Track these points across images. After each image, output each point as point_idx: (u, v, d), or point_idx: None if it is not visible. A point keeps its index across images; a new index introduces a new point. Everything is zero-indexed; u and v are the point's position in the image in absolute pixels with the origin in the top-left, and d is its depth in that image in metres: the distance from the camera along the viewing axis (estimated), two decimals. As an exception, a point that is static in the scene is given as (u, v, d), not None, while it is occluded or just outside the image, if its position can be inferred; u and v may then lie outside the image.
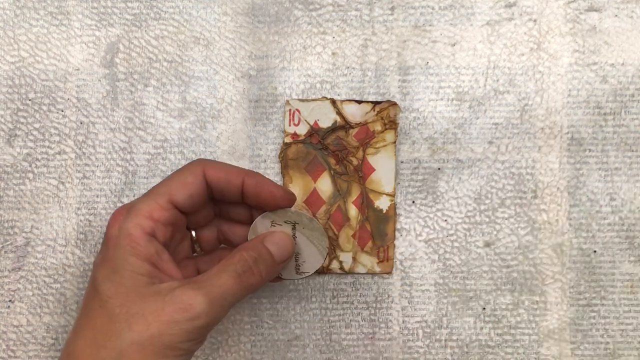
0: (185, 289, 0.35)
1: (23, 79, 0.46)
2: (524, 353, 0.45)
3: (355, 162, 0.45)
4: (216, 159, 0.46)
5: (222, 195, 0.39)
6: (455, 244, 0.46)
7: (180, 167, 0.45)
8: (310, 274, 0.41)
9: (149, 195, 0.37)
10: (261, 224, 0.40)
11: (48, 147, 0.46)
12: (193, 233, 0.41)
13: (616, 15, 0.46)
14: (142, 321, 0.34)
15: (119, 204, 0.46)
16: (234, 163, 0.46)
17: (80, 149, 0.46)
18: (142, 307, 0.34)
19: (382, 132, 0.45)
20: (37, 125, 0.46)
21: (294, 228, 0.40)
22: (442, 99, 0.46)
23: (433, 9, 0.46)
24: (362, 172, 0.45)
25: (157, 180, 0.46)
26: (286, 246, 0.39)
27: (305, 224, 0.40)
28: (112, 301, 0.35)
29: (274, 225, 0.40)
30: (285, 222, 0.40)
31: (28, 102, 0.46)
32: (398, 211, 0.46)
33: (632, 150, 0.45)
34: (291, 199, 0.40)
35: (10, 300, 0.46)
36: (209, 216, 0.41)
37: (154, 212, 0.37)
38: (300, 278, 0.42)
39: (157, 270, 0.36)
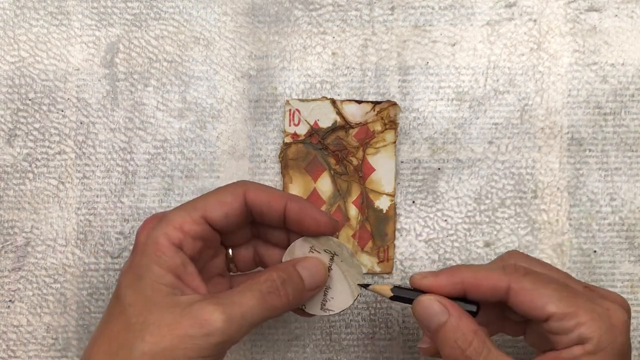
0: (204, 304, 0.34)
1: (23, 79, 0.46)
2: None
3: (355, 162, 0.45)
4: (216, 159, 0.46)
5: (262, 218, 0.38)
6: (455, 244, 0.46)
7: (181, 166, 0.45)
8: (335, 312, 0.39)
9: (184, 207, 0.37)
10: (299, 247, 0.38)
11: (48, 147, 0.46)
12: (230, 251, 0.40)
13: (616, 15, 0.46)
14: (156, 332, 0.33)
15: (119, 204, 0.46)
16: (234, 163, 0.46)
17: (80, 149, 0.46)
18: (158, 318, 0.34)
19: (382, 132, 0.45)
20: (37, 125, 0.46)
21: (332, 259, 0.38)
22: (442, 99, 0.46)
23: (433, 9, 0.46)
24: (362, 172, 0.45)
25: (157, 180, 0.46)
26: (319, 274, 0.38)
27: (345, 257, 0.38)
28: (131, 309, 0.34)
29: (312, 252, 0.38)
30: (325, 251, 0.38)
31: (28, 102, 0.46)
32: (398, 211, 0.46)
33: (632, 150, 0.45)
34: (335, 226, 0.38)
35: (10, 300, 0.46)
36: (247, 236, 0.40)
37: (185, 225, 0.36)
38: (325, 315, 0.39)
39: (180, 282, 0.35)
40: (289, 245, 0.38)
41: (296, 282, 0.37)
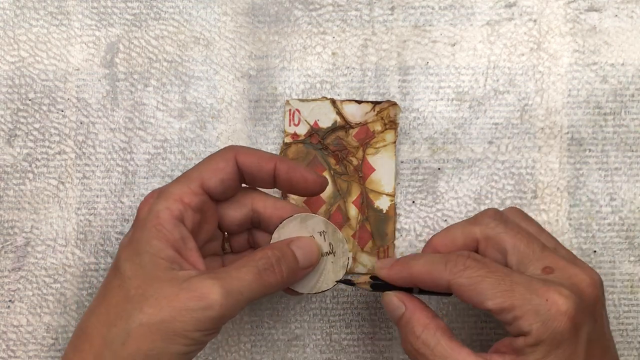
0: (203, 278, 0.34)
1: (23, 79, 0.46)
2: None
3: (355, 162, 0.45)
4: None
5: (254, 180, 0.39)
6: (455, 244, 0.46)
7: (181, 166, 0.45)
8: (327, 289, 0.40)
9: (181, 179, 0.38)
10: (288, 227, 0.39)
11: (48, 147, 0.46)
12: (226, 233, 0.41)
13: (616, 15, 0.46)
14: (155, 304, 0.34)
15: (119, 204, 0.46)
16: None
17: (80, 149, 0.46)
18: (157, 291, 0.34)
19: (382, 132, 0.45)
20: (37, 125, 0.46)
21: (321, 236, 0.39)
22: (442, 99, 0.46)
23: (433, 9, 0.46)
24: (362, 172, 0.45)
25: (157, 180, 0.46)
26: (312, 252, 0.39)
27: (330, 234, 0.39)
28: (131, 282, 0.35)
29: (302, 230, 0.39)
30: (314, 230, 0.39)
31: (28, 102, 0.46)
32: (398, 211, 0.46)
33: (632, 150, 0.45)
34: (323, 183, 0.39)
35: (10, 300, 0.46)
36: (245, 225, 0.40)
37: (185, 196, 0.36)
38: (317, 293, 0.40)
39: (179, 257, 0.36)
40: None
41: (290, 260, 0.38)
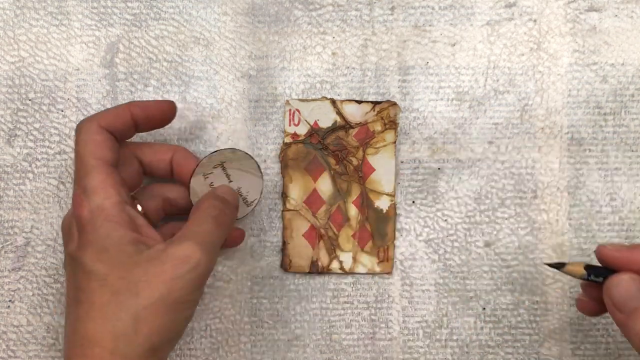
0: (178, 244, 0.36)
1: (23, 79, 0.46)
2: (524, 353, 0.45)
3: (355, 162, 0.45)
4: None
5: (140, 126, 0.41)
6: (455, 244, 0.46)
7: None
8: (258, 200, 0.43)
9: (80, 161, 0.39)
10: (196, 182, 0.41)
11: (48, 147, 0.46)
12: (139, 207, 0.41)
13: (616, 15, 0.46)
14: (147, 286, 0.35)
15: (119, 204, 0.46)
16: (234, 163, 0.46)
17: (80, 149, 0.46)
18: (142, 273, 0.35)
19: (382, 132, 0.45)
20: (37, 125, 0.46)
21: (223, 168, 0.41)
22: (442, 99, 0.46)
23: (433, 9, 0.46)
24: (362, 172, 0.45)
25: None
26: (231, 192, 0.41)
27: (230, 157, 0.41)
28: (111, 277, 0.35)
29: (207, 176, 0.41)
30: (214, 168, 0.41)
31: (28, 102, 0.46)
32: (398, 211, 0.46)
33: (632, 150, 0.45)
34: (171, 106, 0.41)
35: (10, 300, 0.46)
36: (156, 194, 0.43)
37: (100, 147, 0.38)
38: (252, 209, 0.43)
39: (140, 235, 0.37)
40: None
41: (228, 202, 0.40)
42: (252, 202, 0.43)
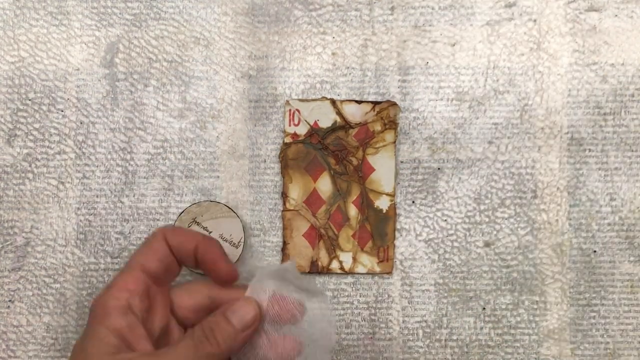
0: None
1: (23, 79, 0.46)
2: (524, 353, 0.45)
3: (355, 162, 0.45)
4: (216, 159, 0.46)
5: (182, 260, 0.40)
6: (455, 244, 0.46)
7: (181, 166, 0.45)
8: (243, 238, 0.43)
9: (124, 269, 0.39)
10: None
11: (48, 147, 0.46)
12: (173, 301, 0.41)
13: (616, 15, 0.46)
14: None
15: (119, 204, 0.46)
16: (234, 163, 0.46)
17: (80, 149, 0.46)
18: None
19: (382, 132, 0.45)
20: (37, 125, 0.46)
21: (197, 224, 0.41)
22: (442, 99, 0.46)
23: (433, 9, 0.46)
24: (362, 172, 0.45)
25: (157, 180, 0.46)
26: (247, 313, 0.38)
27: (198, 211, 0.41)
28: None
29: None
30: (189, 225, 0.41)
31: (28, 102, 0.46)
32: (398, 211, 0.46)
33: (632, 150, 0.45)
34: (232, 273, 0.39)
35: (10, 300, 0.46)
36: (200, 312, 0.41)
37: (129, 283, 0.37)
38: (242, 249, 0.43)
39: (124, 344, 0.36)
40: None
41: (224, 328, 0.37)
42: (239, 242, 0.43)
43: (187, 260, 0.40)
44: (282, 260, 0.45)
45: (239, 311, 0.38)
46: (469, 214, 0.46)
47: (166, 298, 0.40)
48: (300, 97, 0.46)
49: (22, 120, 0.46)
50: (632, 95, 0.46)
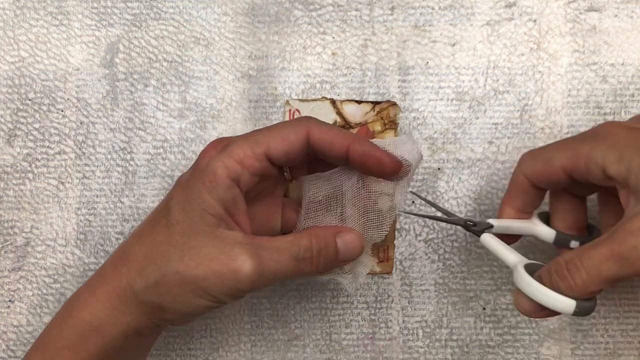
0: (243, 250, 0.35)
1: (23, 79, 0.46)
2: (524, 353, 0.45)
3: (355, 162, 0.45)
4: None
5: (325, 156, 0.38)
6: (455, 244, 0.46)
7: (181, 166, 0.45)
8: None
9: (247, 139, 0.37)
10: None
11: (48, 147, 0.46)
12: (286, 169, 0.40)
13: (616, 15, 0.46)
14: (195, 258, 0.35)
15: (119, 204, 0.46)
16: (234, 163, 0.46)
17: (80, 149, 0.46)
18: (200, 245, 0.35)
19: (382, 132, 0.45)
20: (37, 125, 0.46)
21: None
22: (442, 99, 0.46)
23: (433, 9, 0.46)
24: (362, 172, 0.45)
25: (157, 180, 0.46)
26: (355, 249, 0.39)
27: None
28: (177, 227, 0.36)
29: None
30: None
31: (28, 102, 0.46)
32: (398, 211, 0.45)
33: (632, 150, 0.45)
34: (398, 166, 0.37)
35: (10, 300, 0.46)
36: (299, 154, 0.39)
37: (246, 159, 0.36)
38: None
39: (228, 216, 0.36)
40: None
41: (331, 254, 0.38)
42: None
43: (332, 158, 0.38)
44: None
45: (349, 243, 0.38)
46: (468, 214, 0.45)
47: (274, 171, 0.38)
48: (300, 97, 0.46)
49: (22, 120, 0.46)
50: (632, 95, 0.46)
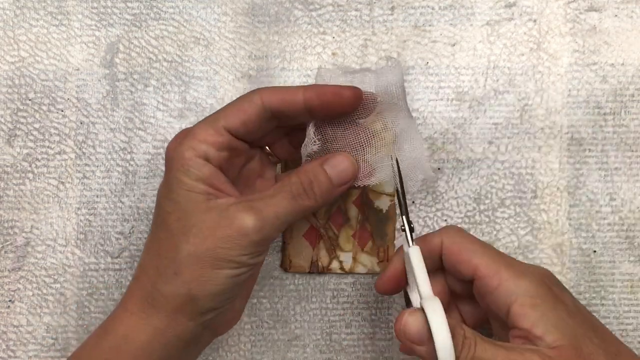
0: (239, 208, 0.36)
1: (23, 79, 0.46)
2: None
3: (355, 162, 0.45)
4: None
5: (288, 117, 0.38)
6: (455, 244, 0.46)
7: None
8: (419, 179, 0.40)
9: (205, 120, 0.38)
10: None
11: (48, 147, 0.46)
12: (267, 148, 0.41)
13: (616, 15, 0.46)
14: (199, 234, 0.36)
15: (119, 204, 0.46)
16: (234, 163, 0.46)
17: (80, 149, 0.46)
18: (199, 221, 0.36)
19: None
20: (37, 125, 0.46)
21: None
22: (442, 99, 0.46)
23: (433, 9, 0.46)
24: (362, 172, 0.45)
25: (158, 180, 0.46)
26: (346, 169, 0.39)
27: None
28: (171, 217, 0.37)
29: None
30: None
31: (28, 102, 0.46)
32: (398, 211, 0.46)
33: (632, 150, 0.45)
34: (357, 92, 0.38)
35: (10, 300, 0.46)
36: (280, 134, 0.41)
37: (208, 137, 0.37)
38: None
39: (213, 189, 0.37)
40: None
41: (323, 182, 0.38)
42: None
43: (294, 117, 0.38)
44: (282, 262, 0.45)
45: (339, 166, 0.38)
46: (468, 214, 0.46)
47: (243, 147, 0.39)
48: (300, 97, 0.46)
49: (22, 120, 0.46)
50: (632, 95, 0.46)
